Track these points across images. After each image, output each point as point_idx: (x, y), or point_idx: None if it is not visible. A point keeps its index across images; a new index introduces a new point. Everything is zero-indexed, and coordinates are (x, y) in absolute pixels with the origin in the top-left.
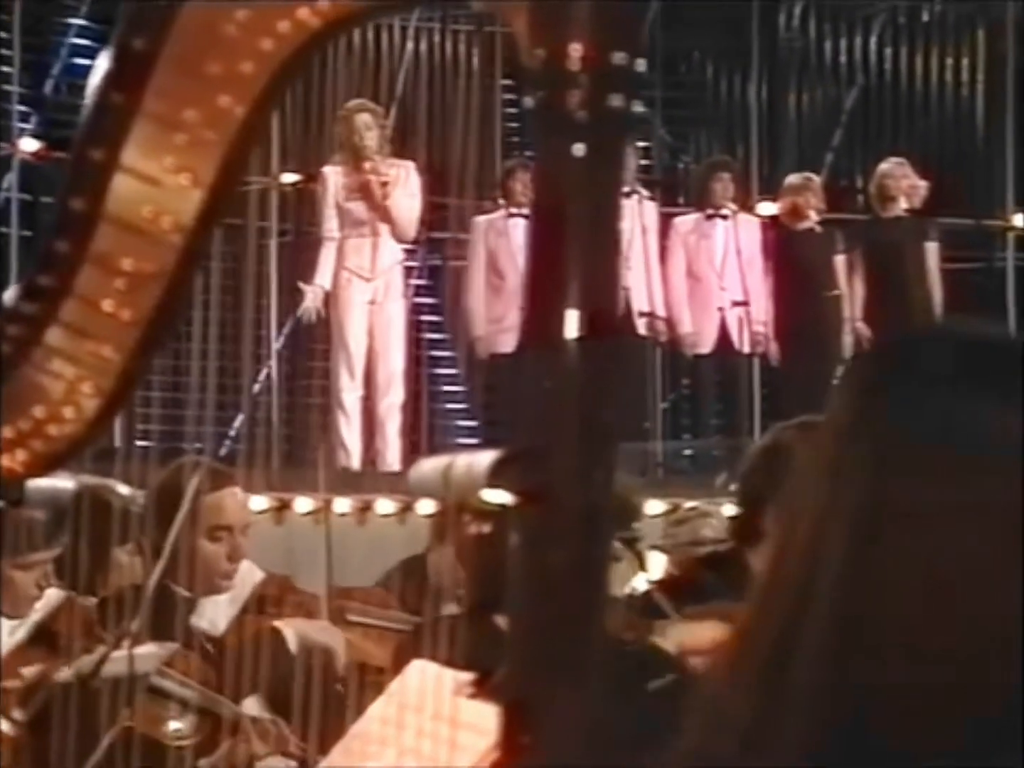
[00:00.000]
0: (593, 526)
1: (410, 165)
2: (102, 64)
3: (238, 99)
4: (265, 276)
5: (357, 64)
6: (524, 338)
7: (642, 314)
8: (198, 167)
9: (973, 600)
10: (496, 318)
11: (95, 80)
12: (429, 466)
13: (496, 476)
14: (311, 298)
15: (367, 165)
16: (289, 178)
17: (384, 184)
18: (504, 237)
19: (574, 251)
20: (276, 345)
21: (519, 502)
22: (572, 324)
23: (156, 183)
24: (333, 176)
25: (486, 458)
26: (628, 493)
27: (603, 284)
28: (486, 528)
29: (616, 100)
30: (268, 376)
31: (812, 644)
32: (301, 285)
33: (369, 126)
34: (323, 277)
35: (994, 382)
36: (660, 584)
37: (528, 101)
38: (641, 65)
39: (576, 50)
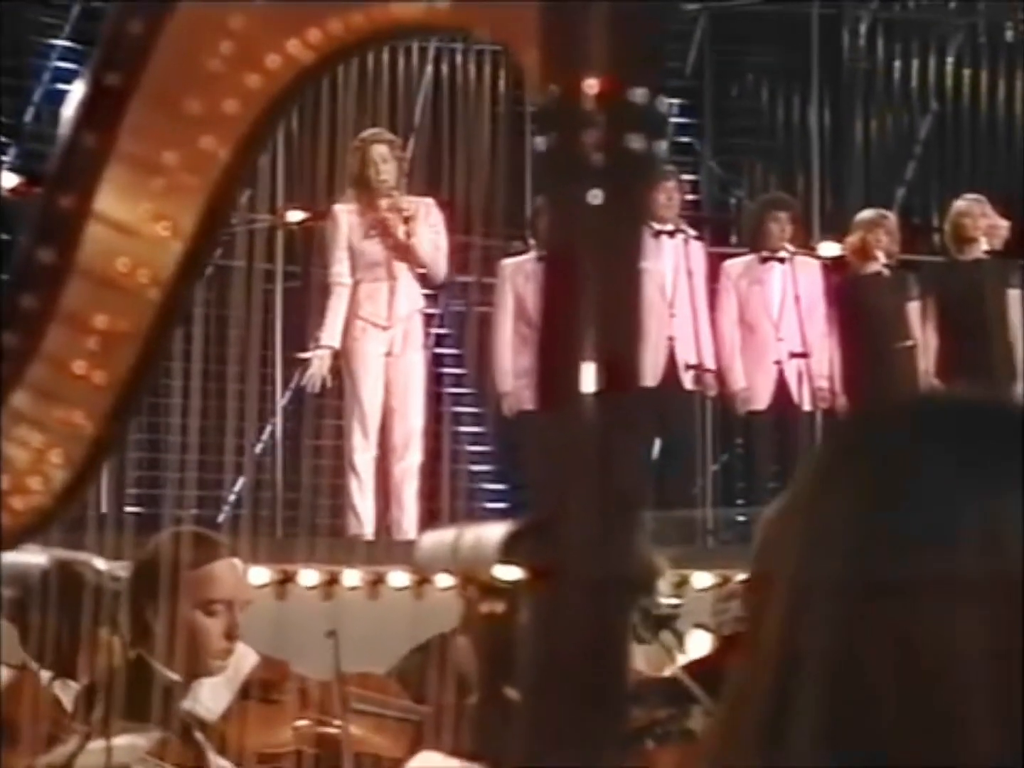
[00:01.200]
0: (610, 603)
1: (430, 202)
2: (74, 99)
3: (222, 140)
4: (270, 324)
5: (371, 89)
6: (537, 397)
7: (689, 367)
8: (178, 215)
9: (951, 673)
10: (525, 371)
11: (67, 115)
12: (434, 540)
13: (508, 550)
14: (317, 366)
15: (384, 202)
16: (296, 216)
17: (407, 220)
18: (533, 281)
19: (589, 304)
20: (281, 401)
21: (530, 578)
22: (588, 379)
23: (132, 233)
24: (345, 215)
25: (495, 530)
26: (653, 565)
27: (621, 339)
28: (498, 606)
29: (636, 141)
30: (272, 435)
31: (802, 718)
32: (303, 355)
33: (385, 158)
34: (331, 335)
35: (959, 451)
36: (689, 667)
37: (540, 142)
38: (663, 103)
39: (592, 86)
